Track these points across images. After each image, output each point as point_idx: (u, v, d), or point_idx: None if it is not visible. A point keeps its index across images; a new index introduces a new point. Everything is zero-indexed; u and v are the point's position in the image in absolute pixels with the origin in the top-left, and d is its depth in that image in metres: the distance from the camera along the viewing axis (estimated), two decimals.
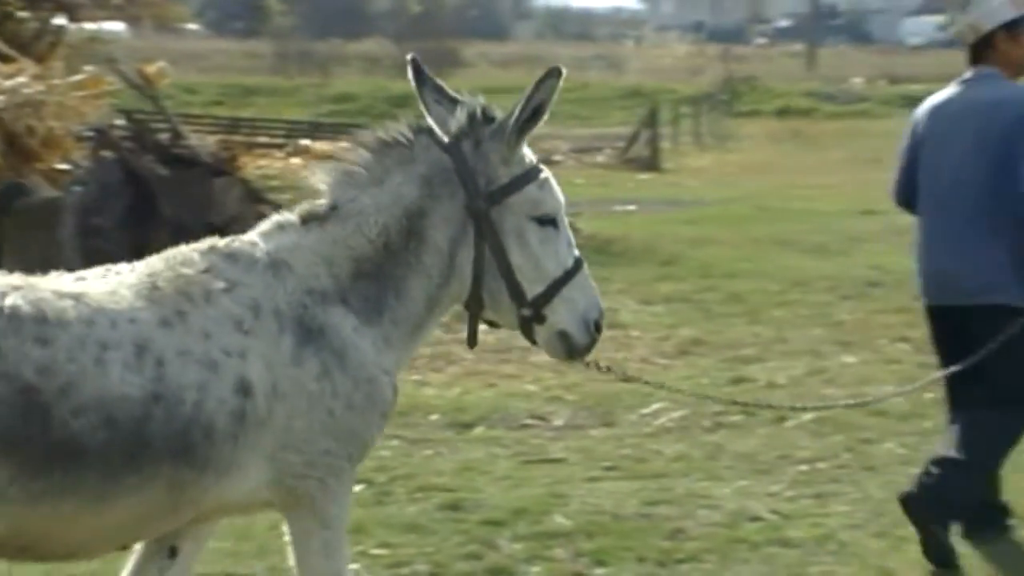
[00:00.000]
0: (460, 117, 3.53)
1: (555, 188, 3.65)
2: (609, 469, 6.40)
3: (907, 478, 5.91)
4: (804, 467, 6.33)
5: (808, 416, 7.03)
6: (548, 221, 3.60)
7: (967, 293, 4.94)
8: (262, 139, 24.39)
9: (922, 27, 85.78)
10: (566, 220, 3.67)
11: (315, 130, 25.06)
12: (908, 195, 5.28)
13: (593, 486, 6.12)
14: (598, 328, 3.59)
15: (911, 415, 7.10)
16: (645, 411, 7.40)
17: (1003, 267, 4.89)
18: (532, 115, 3.55)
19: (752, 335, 9.43)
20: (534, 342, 3.60)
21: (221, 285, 3.32)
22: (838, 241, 13.93)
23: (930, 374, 5.51)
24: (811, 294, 10.90)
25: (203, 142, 13.26)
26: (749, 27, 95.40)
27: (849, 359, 8.58)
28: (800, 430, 6.91)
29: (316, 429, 3.33)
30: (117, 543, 3.43)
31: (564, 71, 3.64)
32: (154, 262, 3.39)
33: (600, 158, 27.65)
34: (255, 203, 11.72)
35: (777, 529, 5.47)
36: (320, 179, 3.54)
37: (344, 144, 3.72)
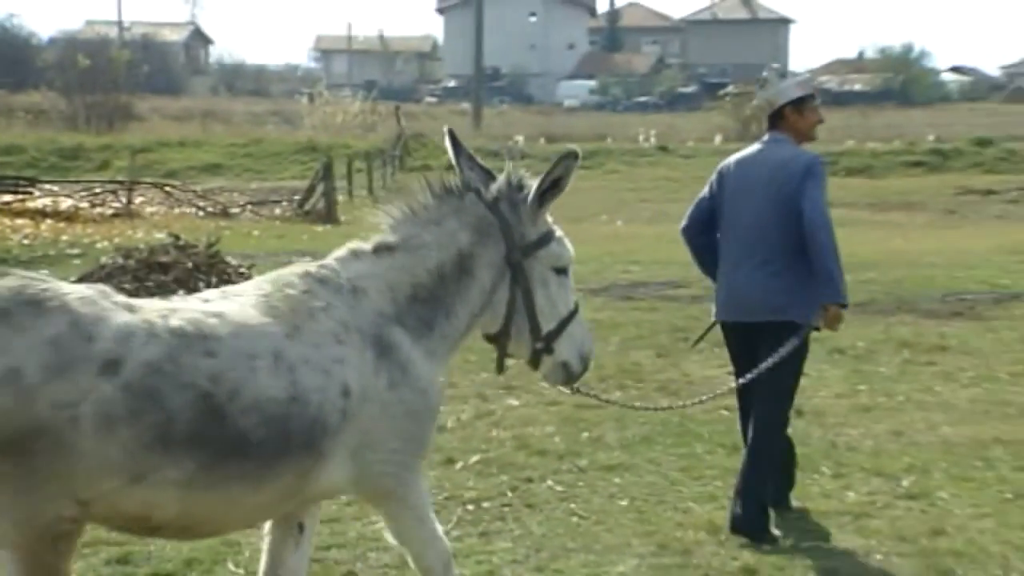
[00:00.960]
0: (501, 183, 4.26)
1: (567, 244, 4.33)
2: None
3: (564, 514, 6.14)
4: (471, 507, 6.41)
5: (475, 458, 7.14)
6: (562, 270, 4.29)
7: (759, 312, 5.92)
8: None
9: (576, 90, 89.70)
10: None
11: None
12: (696, 231, 6.27)
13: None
14: (590, 359, 4.31)
15: (567, 453, 7.32)
16: None
17: (787, 291, 5.88)
18: (552, 186, 4.23)
19: None
20: (536, 369, 4.33)
21: (320, 304, 3.89)
22: None
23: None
24: (478, 340, 11.06)
25: None
26: (419, 87, 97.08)
27: (513, 402, 8.75)
28: (467, 471, 7.00)
29: (386, 431, 3.89)
30: (257, 521, 4.10)
31: (580, 152, 4.29)
32: (262, 284, 4.01)
33: (277, 211, 27.37)
34: None
35: None
36: (389, 213, 4.20)
37: (411, 186, 4.35)
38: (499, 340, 4.28)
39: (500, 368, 4.40)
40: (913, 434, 7.87)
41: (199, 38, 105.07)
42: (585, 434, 7.74)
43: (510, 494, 6.61)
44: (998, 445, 7.50)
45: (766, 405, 6.02)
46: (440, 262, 4.10)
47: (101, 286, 3.71)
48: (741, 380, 6.05)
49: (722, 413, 7.96)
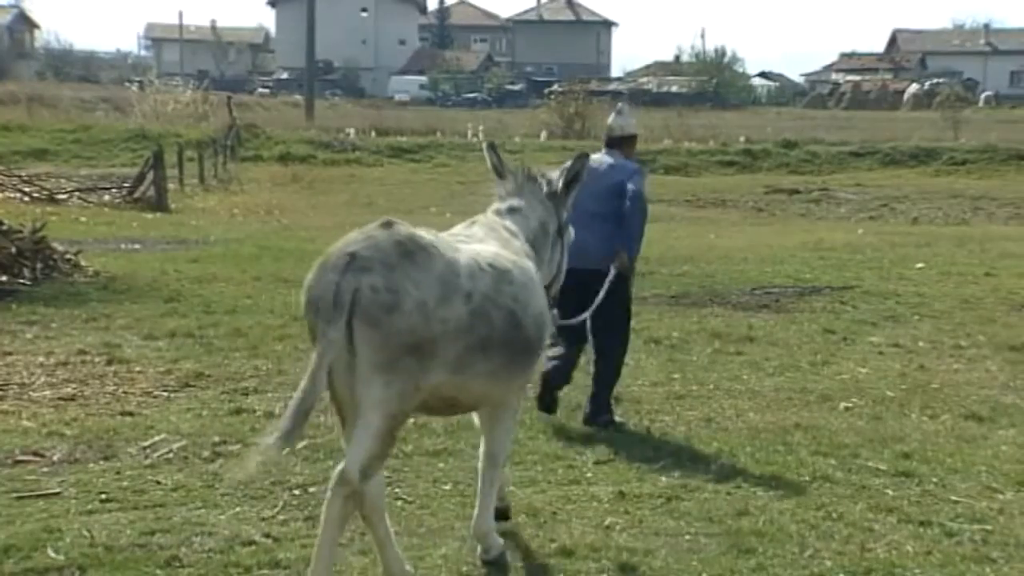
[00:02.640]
0: (550, 178, 5.87)
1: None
2: (106, 501, 6.11)
3: (389, 498, 6.14)
4: (297, 491, 6.33)
5: (302, 444, 7.07)
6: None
7: (594, 260, 7.57)
8: None
9: (407, 85, 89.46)
10: None
11: None
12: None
13: (89, 519, 5.82)
14: None
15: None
16: (145, 443, 7.15)
17: (612, 246, 7.79)
18: (573, 179, 5.89)
19: (252, 368, 9.35)
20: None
21: (517, 243, 5.39)
22: None
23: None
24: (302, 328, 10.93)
25: None
26: (251, 78, 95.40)
27: None
28: (294, 456, 6.90)
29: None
30: (496, 404, 5.31)
31: (590, 155, 6.36)
32: (479, 228, 5.39)
33: (107, 198, 26.54)
34: None
35: (269, 552, 5.43)
36: (504, 187, 5.80)
37: (513, 170, 5.87)
38: (547, 290, 5.57)
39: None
40: (722, 420, 8.07)
41: (24, 21, 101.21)
42: (411, 420, 7.71)
43: None
44: (799, 430, 7.76)
45: (606, 331, 7.79)
46: (537, 223, 5.70)
47: (427, 231, 4.85)
48: (585, 314, 7.54)
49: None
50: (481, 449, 5.48)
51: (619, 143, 8.18)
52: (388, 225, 4.68)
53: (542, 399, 7.99)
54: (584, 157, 5.97)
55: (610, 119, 8.40)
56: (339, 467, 4.65)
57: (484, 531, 5.41)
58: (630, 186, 7.80)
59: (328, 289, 4.47)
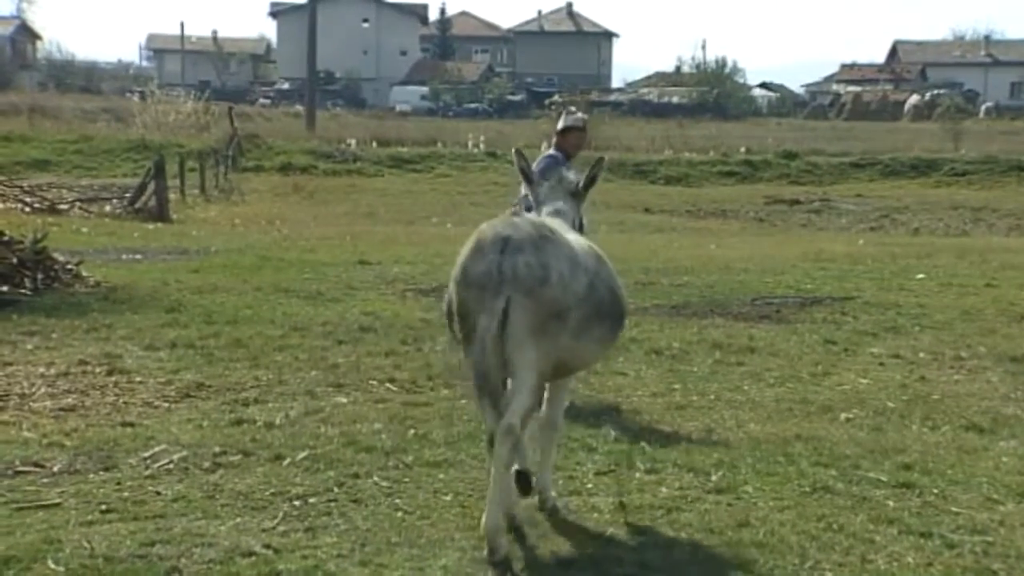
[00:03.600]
0: (574, 180, 6.64)
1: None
2: (106, 512, 6.09)
3: (389, 508, 6.15)
4: (297, 502, 6.31)
5: (303, 455, 7.07)
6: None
7: None
8: None
9: (408, 95, 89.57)
10: None
11: None
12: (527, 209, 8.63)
13: (89, 530, 5.80)
14: None
15: (394, 450, 7.27)
16: (146, 454, 7.13)
17: None
18: (591, 182, 6.65)
19: (253, 378, 9.33)
20: None
21: (584, 241, 6.17)
22: (335, 289, 14.10)
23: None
24: (309, 339, 10.94)
25: None
26: (253, 88, 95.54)
27: (342, 399, 8.67)
28: (294, 467, 6.90)
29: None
30: (583, 368, 6.67)
31: (606, 158, 7.18)
32: (553, 220, 6.14)
33: (108, 208, 26.57)
34: None
35: (269, 563, 5.41)
36: (551, 188, 6.59)
37: (552, 176, 6.72)
38: None
39: None
40: (723, 431, 8.06)
41: (26, 32, 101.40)
42: (412, 431, 7.71)
43: (336, 490, 6.53)
44: (799, 441, 7.75)
45: None
46: (569, 221, 6.40)
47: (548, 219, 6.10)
48: None
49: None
50: (542, 416, 6.20)
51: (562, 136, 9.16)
52: (517, 216, 5.92)
53: None
54: (602, 160, 6.73)
55: (560, 123, 9.42)
56: (503, 421, 5.45)
57: (546, 487, 6.29)
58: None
59: (492, 266, 5.44)
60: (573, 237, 5.95)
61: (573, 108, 9.90)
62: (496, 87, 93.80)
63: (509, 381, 5.55)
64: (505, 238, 5.51)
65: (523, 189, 7.29)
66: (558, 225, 6.00)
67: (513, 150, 6.84)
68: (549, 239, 5.61)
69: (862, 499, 6.60)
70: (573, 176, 6.67)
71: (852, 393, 9.32)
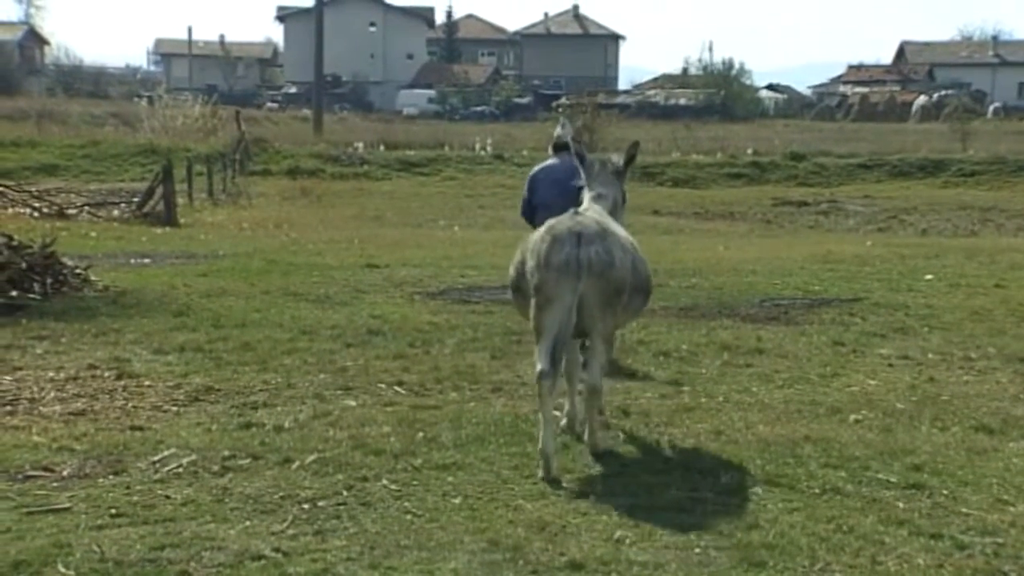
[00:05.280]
0: (615, 161, 8.21)
1: None
2: (116, 516, 6.10)
3: (399, 511, 6.16)
4: (306, 505, 6.32)
5: (311, 458, 7.07)
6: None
7: None
8: None
9: (416, 99, 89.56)
10: None
11: None
12: (530, 213, 9.92)
13: (99, 534, 5.81)
14: None
15: (403, 453, 7.28)
16: (155, 458, 7.15)
17: None
18: (630, 159, 8.23)
19: (262, 382, 9.34)
20: None
21: (624, 231, 7.64)
22: (343, 292, 14.11)
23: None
24: (317, 342, 10.94)
25: None
26: (260, 92, 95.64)
27: (351, 402, 8.68)
28: (304, 470, 6.91)
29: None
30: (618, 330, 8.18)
31: (640, 142, 8.92)
32: (596, 213, 7.55)
33: (116, 212, 26.61)
34: None
35: (279, 566, 5.42)
36: (591, 174, 8.06)
37: (598, 160, 8.24)
38: None
39: None
40: (732, 433, 8.05)
41: (34, 38, 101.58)
42: (420, 434, 7.71)
43: (345, 493, 6.54)
44: (808, 443, 7.73)
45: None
46: (612, 200, 7.94)
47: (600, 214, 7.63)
48: None
49: (554, 414, 8.01)
50: (585, 383, 7.36)
51: (565, 148, 9.44)
52: (578, 214, 7.31)
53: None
54: (637, 144, 8.43)
55: (556, 131, 10.32)
56: (589, 382, 7.19)
57: (599, 443, 7.41)
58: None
59: (571, 256, 6.92)
60: (617, 228, 7.46)
61: (563, 119, 11.37)
62: (503, 90, 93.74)
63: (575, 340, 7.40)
64: (578, 233, 7.01)
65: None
66: (606, 216, 7.52)
67: (571, 138, 8.95)
68: (609, 232, 7.19)
69: (872, 501, 6.59)
70: (616, 158, 8.25)
71: (861, 394, 9.30)
